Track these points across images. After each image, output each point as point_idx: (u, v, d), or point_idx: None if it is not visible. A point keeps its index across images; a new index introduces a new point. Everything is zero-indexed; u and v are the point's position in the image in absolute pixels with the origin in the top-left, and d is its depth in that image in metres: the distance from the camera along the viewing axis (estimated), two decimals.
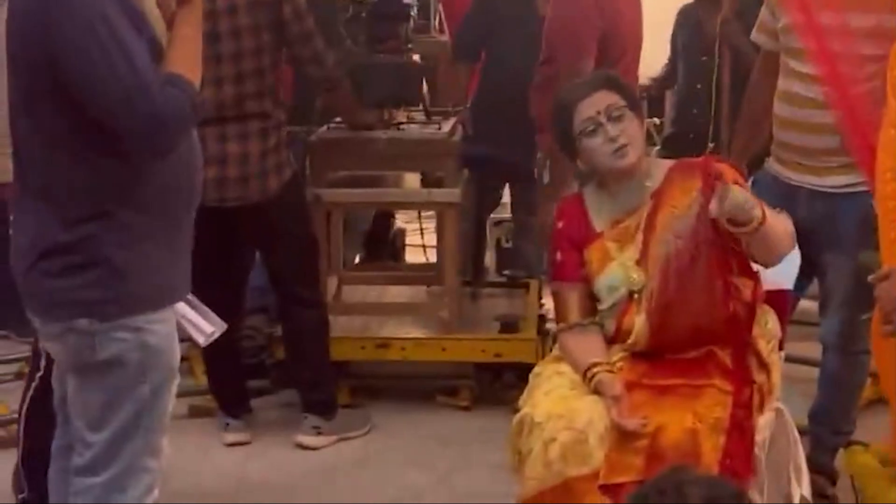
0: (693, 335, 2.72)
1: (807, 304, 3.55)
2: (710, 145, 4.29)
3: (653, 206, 2.80)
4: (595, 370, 2.69)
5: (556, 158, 3.94)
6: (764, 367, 2.74)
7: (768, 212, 2.64)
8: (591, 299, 2.85)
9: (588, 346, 2.79)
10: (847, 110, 3.16)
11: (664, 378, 2.69)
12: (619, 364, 2.75)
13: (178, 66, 2.31)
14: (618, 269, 2.80)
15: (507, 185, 5.19)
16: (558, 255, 2.89)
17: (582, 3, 3.91)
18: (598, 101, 2.79)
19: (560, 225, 2.91)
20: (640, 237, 2.80)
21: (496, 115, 4.69)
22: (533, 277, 4.89)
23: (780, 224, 2.72)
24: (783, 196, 3.16)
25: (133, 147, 2.29)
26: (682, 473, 1.59)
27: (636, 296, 2.77)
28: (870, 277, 2.41)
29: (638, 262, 2.78)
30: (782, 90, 3.32)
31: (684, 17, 4.89)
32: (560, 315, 2.90)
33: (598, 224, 2.87)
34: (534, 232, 4.70)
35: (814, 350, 3.67)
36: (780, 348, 2.85)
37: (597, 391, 2.66)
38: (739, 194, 2.55)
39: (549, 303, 4.37)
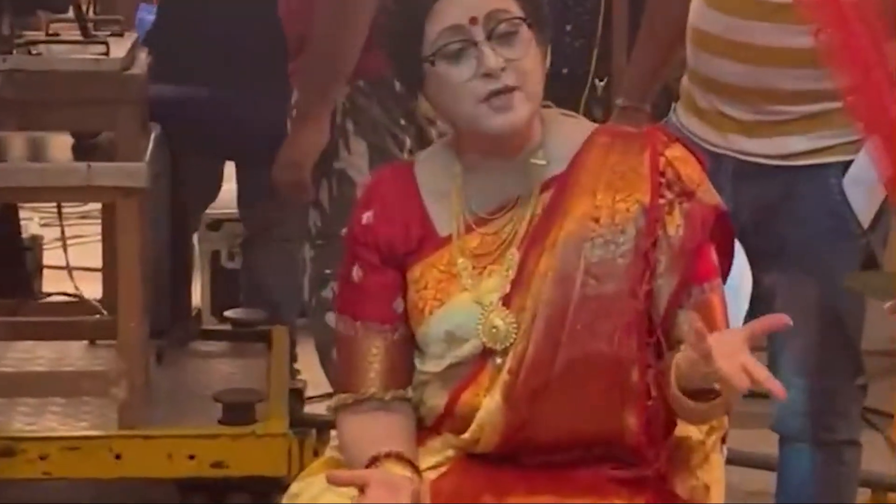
0: (577, 442, 2.30)
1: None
2: (599, 83, 4.07)
3: (550, 204, 2.39)
4: (380, 464, 2.26)
5: (301, 112, 3.35)
6: (695, 471, 2.34)
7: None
8: (407, 355, 2.42)
9: (384, 432, 2.34)
10: (838, 21, 2.50)
11: (523, 496, 2.29)
12: (441, 467, 2.29)
13: None
14: (469, 307, 2.35)
15: (231, 161, 4.33)
16: (355, 272, 2.44)
17: None
18: (476, 2, 2.36)
19: (367, 218, 2.43)
20: (515, 255, 2.37)
21: (204, 40, 3.96)
22: (280, 321, 3.99)
23: None
24: None
25: None
26: None
27: (496, 360, 2.30)
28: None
29: (506, 301, 2.32)
30: None
31: None
32: (345, 379, 2.44)
33: (443, 222, 2.42)
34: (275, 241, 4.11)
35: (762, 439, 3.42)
36: (723, 440, 2.50)
37: None
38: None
39: (308, 367, 3.88)
